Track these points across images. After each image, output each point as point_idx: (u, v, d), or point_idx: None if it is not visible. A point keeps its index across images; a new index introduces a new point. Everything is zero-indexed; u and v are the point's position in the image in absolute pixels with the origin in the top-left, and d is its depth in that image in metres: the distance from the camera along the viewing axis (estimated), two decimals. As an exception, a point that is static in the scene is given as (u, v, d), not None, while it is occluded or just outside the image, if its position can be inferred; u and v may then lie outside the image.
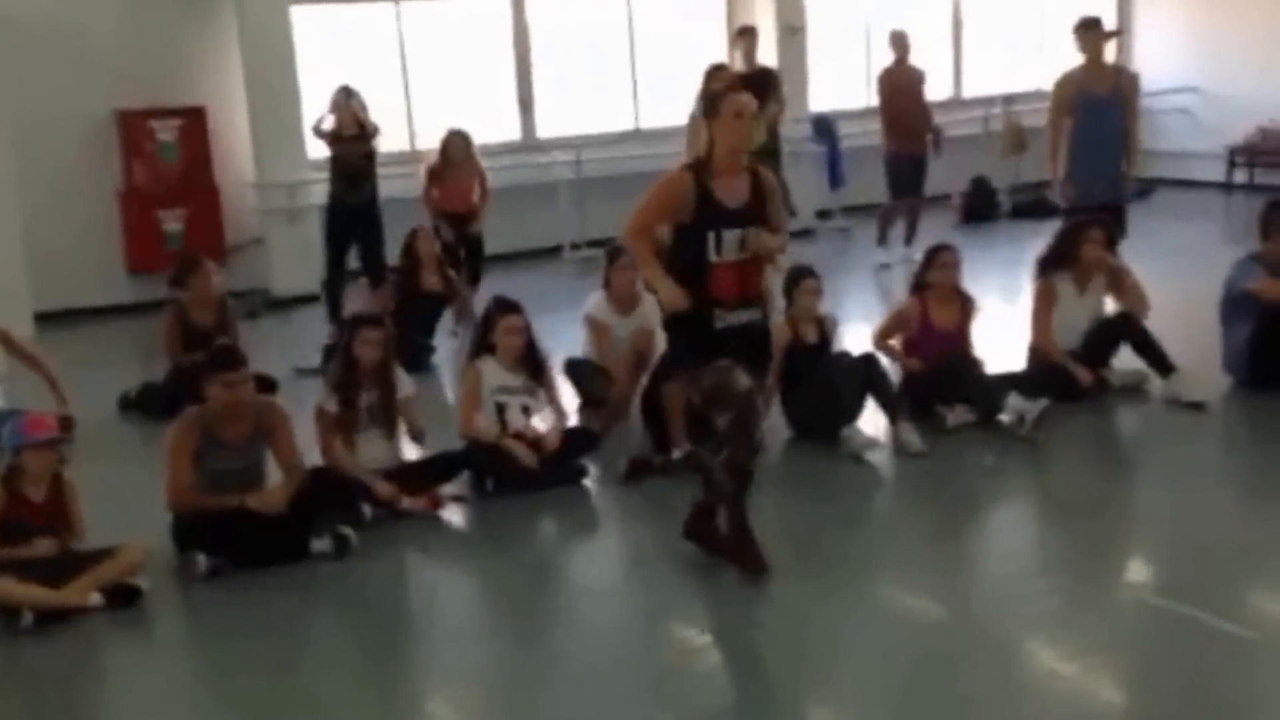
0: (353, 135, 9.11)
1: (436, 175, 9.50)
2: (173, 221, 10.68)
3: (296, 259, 10.76)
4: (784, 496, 5.75)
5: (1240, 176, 13.41)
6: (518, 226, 11.44)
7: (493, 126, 12.16)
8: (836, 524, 5.49)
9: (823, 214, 12.76)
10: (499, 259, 10.40)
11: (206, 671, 4.57)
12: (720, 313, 4.68)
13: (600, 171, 11.69)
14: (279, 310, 10.59)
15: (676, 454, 5.98)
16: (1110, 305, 6.94)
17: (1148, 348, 6.63)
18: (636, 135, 12.62)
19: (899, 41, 10.66)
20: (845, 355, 6.41)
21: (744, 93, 4.76)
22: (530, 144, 12.30)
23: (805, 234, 11.61)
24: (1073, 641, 4.23)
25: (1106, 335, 6.75)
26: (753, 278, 4.77)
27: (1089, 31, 7.94)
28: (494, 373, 5.98)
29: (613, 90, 12.74)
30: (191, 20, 10.77)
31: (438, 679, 4.38)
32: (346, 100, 9.07)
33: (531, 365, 6.06)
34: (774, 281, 5.91)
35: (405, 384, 5.84)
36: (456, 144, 9.50)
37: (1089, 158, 7.86)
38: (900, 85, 10.55)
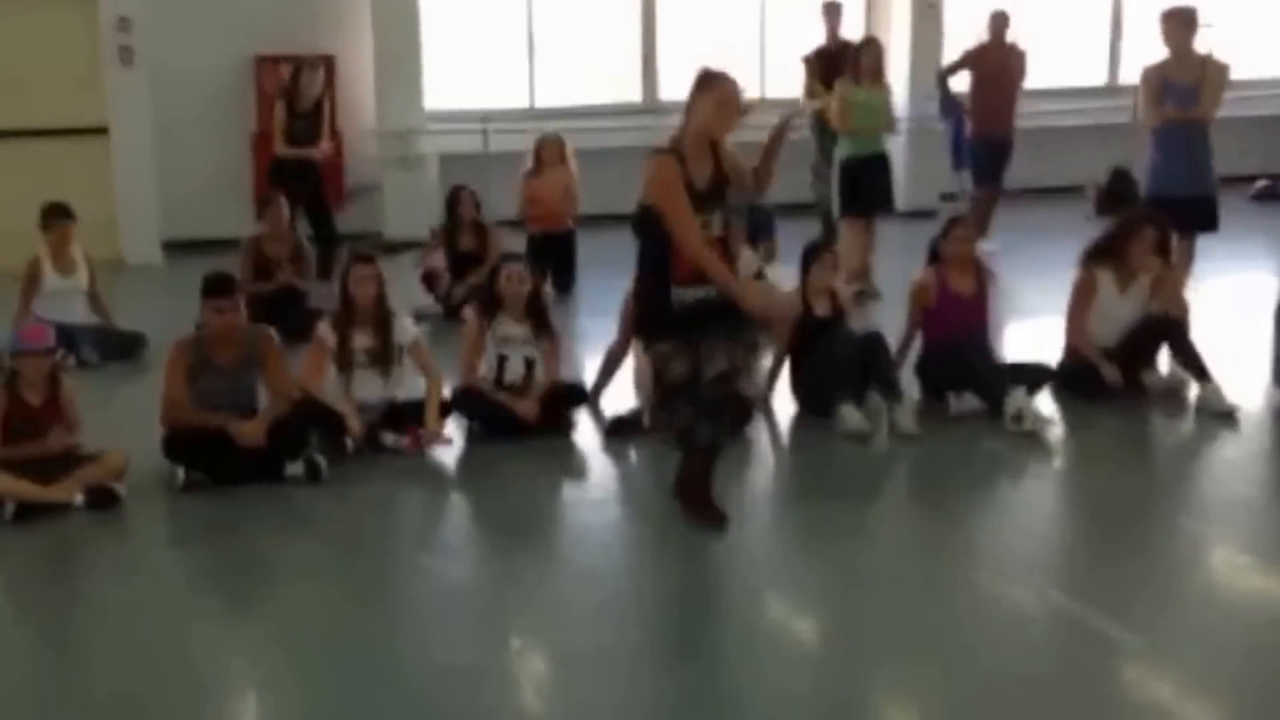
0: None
1: (530, 180, 9.44)
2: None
3: (410, 205, 11.17)
4: (752, 466, 5.83)
5: None
6: (634, 188, 11.57)
7: (615, 87, 12.40)
8: (787, 496, 5.58)
9: (947, 196, 12.49)
10: (617, 218, 10.54)
11: (170, 571, 4.91)
12: (677, 291, 4.72)
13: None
14: (391, 254, 11.00)
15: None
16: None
17: (1185, 351, 6.35)
18: (760, 103, 12.56)
19: (996, 21, 10.29)
20: (849, 332, 6.35)
21: (735, 82, 4.70)
22: (651, 106, 12.41)
23: (927, 215, 11.38)
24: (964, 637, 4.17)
25: (1147, 335, 6.48)
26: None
27: (1173, 21, 7.65)
28: (499, 322, 6.15)
29: (738, 55, 12.71)
30: (326, -29, 11.27)
31: (388, 593, 4.64)
32: None
33: (536, 317, 6.20)
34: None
35: (406, 329, 6.03)
36: (550, 148, 9.45)
37: (1174, 149, 7.62)
38: (991, 66, 10.18)
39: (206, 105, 11.10)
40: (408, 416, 5.91)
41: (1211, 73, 7.66)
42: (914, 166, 11.91)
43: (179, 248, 10.64)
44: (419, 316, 8.09)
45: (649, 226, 4.73)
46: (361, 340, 5.92)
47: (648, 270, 4.82)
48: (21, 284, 7.37)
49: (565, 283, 9.29)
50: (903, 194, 11.99)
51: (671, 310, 4.73)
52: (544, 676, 4.08)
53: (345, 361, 5.90)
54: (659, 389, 4.96)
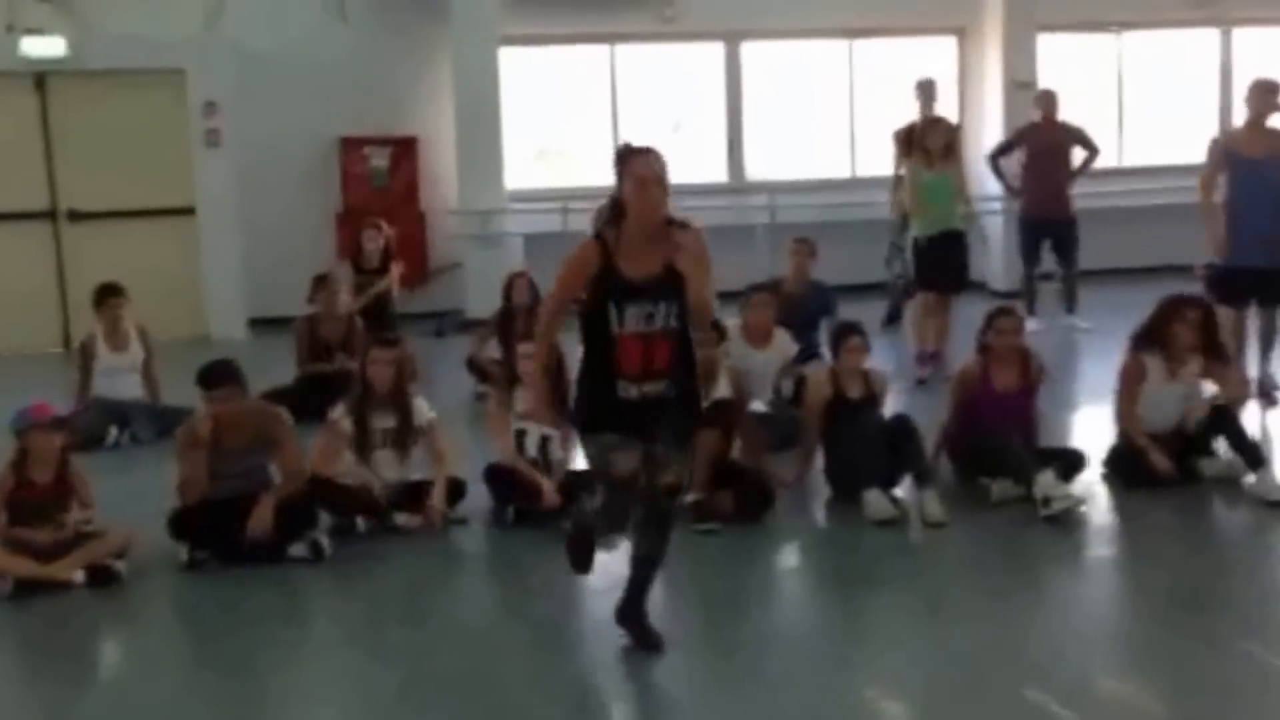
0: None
1: None
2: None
3: (490, 283, 11.22)
4: (775, 549, 5.64)
5: None
6: (719, 267, 11.49)
7: (701, 168, 12.39)
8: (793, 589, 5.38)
9: (1044, 276, 12.09)
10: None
11: (166, 650, 4.93)
12: (624, 384, 4.31)
13: (802, 218, 11.59)
14: (469, 331, 11.10)
15: (688, 500, 5.87)
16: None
17: (1237, 437, 6.01)
18: (853, 183, 12.45)
19: (1045, 100, 10.26)
20: (878, 415, 6.13)
21: (652, 154, 4.23)
22: (738, 185, 12.36)
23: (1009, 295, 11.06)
24: None
25: (1202, 422, 6.14)
26: (659, 351, 4.31)
27: (1256, 93, 7.60)
28: (519, 399, 6.09)
29: (827, 137, 12.62)
30: (411, 57, 11.59)
31: (379, 679, 4.52)
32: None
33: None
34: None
35: (424, 411, 6.02)
36: None
37: (1241, 220, 7.51)
38: (1041, 145, 10.05)
39: (293, 185, 11.42)
40: (422, 497, 5.86)
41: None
42: (1009, 245, 11.60)
43: (266, 324, 10.90)
44: (480, 395, 8.18)
45: (582, 317, 4.40)
46: (381, 422, 5.93)
47: (589, 358, 4.41)
48: (77, 362, 7.57)
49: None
50: (1000, 273, 11.79)
51: (615, 402, 4.31)
52: None
53: (365, 444, 5.90)
54: (592, 480, 4.61)
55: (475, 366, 8.53)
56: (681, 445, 4.45)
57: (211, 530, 5.43)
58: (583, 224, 10.31)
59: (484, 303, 11.17)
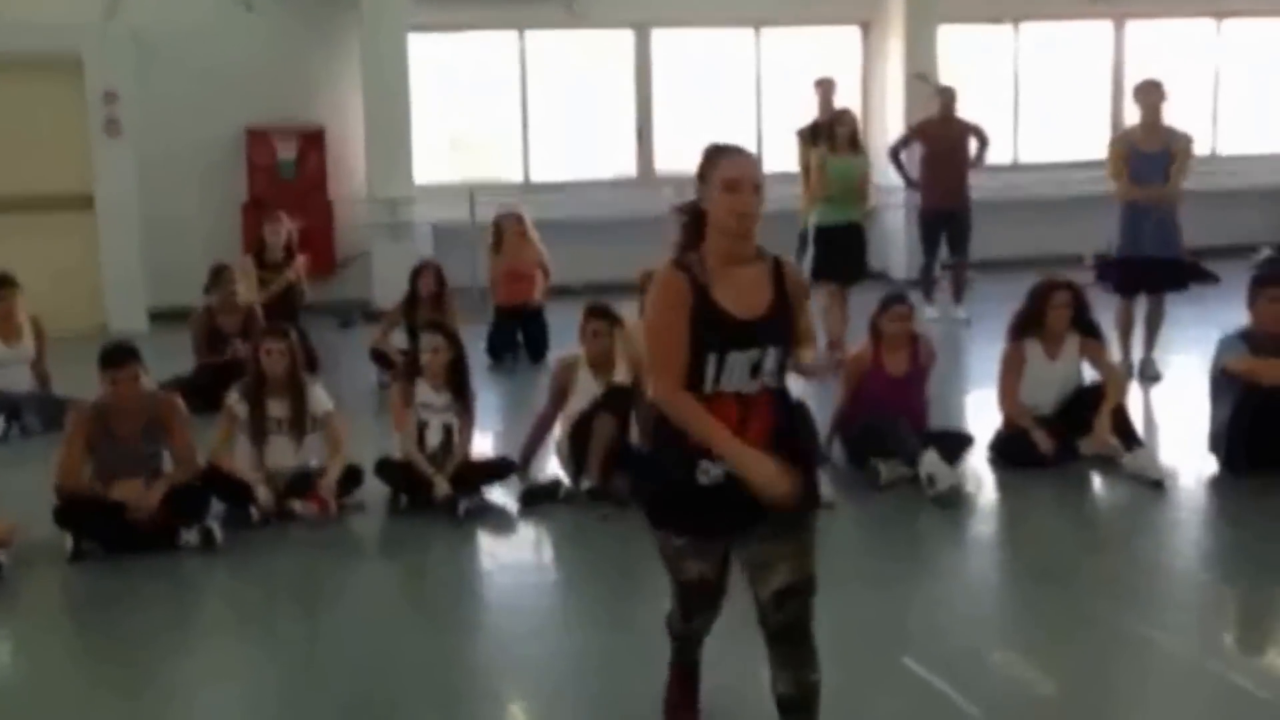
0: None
1: (493, 255, 9.55)
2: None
3: (397, 273, 11.17)
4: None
5: None
6: (627, 259, 11.55)
7: (610, 159, 12.46)
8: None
9: (946, 266, 12.32)
10: (606, 289, 10.58)
11: (47, 642, 4.87)
12: (705, 464, 3.25)
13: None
14: (378, 322, 11.04)
15: (585, 484, 5.97)
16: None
17: (1119, 419, 6.21)
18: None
19: (944, 94, 10.51)
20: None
21: (747, 154, 3.33)
22: (646, 179, 12.43)
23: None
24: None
25: (1080, 403, 6.34)
26: (760, 418, 3.29)
27: (1144, 93, 7.92)
28: (420, 390, 6.11)
29: (733, 129, 12.72)
30: (319, 46, 11.51)
31: (274, 665, 4.54)
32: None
33: (455, 386, 6.15)
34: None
35: (321, 400, 6.02)
36: (509, 224, 9.52)
37: (1141, 212, 7.83)
38: (938, 140, 10.27)
39: (197, 176, 11.28)
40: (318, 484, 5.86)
41: (1176, 143, 7.86)
42: (910, 236, 11.79)
43: (168, 316, 10.74)
44: (384, 385, 8.17)
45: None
46: (275, 409, 5.92)
47: (660, 425, 3.38)
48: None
49: (537, 353, 9.28)
50: (902, 263, 11.99)
51: (690, 488, 3.28)
52: None
53: (258, 430, 5.88)
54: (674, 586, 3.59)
55: (380, 356, 8.52)
56: (791, 530, 3.30)
57: (99, 520, 5.38)
58: (490, 215, 10.36)
59: (391, 293, 11.08)
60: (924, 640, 4.50)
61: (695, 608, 3.58)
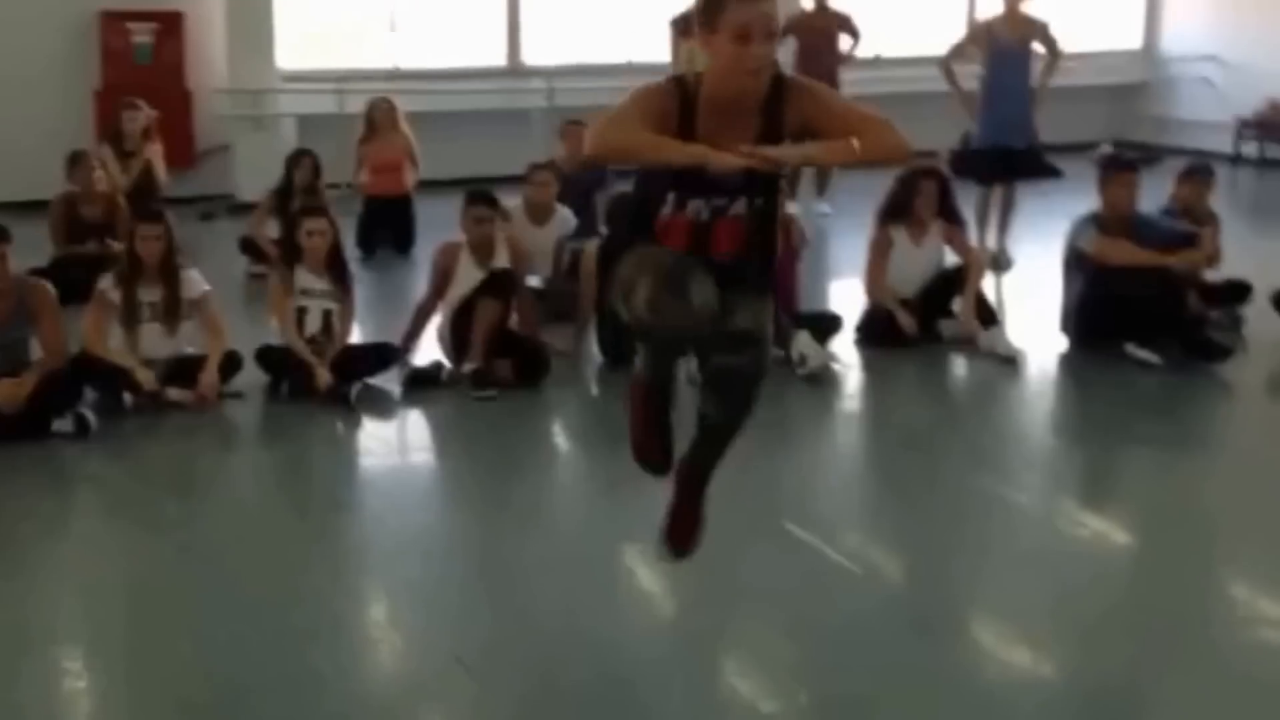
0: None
1: (363, 145, 9.43)
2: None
3: (261, 166, 10.97)
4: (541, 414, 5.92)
5: (1249, 149, 12.88)
6: (494, 153, 11.50)
7: (479, 52, 12.32)
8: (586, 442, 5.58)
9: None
10: (478, 180, 10.54)
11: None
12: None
13: (580, 102, 11.68)
14: (241, 215, 10.86)
15: (468, 367, 6.07)
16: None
17: (974, 300, 6.55)
18: (630, 68, 12.58)
19: None
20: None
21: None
22: (515, 69, 12.34)
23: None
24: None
25: (941, 286, 6.66)
26: (723, 232, 3.07)
27: None
28: (300, 275, 6.10)
29: (605, 21, 12.70)
30: (175, -75, 11.03)
31: (159, 547, 4.53)
32: None
33: (336, 270, 6.15)
34: None
35: (196, 284, 5.95)
36: (382, 112, 9.39)
37: (995, 102, 8.09)
38: (811, 33, 10.25)
39: (47, 62, 10.78)
40: (196, 372, 5.83)
41: (1035, 33, 8.14)
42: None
43: (17, 207, 10.34)
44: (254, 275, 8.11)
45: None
46: (148, 295, 5.84)
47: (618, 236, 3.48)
48: None
49: (404, 245, 9.26)
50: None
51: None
52: (355, 612, 4.09)
53: (130, 317, 5.81)
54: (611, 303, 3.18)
55: (251, 246, 8.41)
56: (757, 294, 3.13)
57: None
58: (362, 105, 10.20)
59: (255, 186, 10.84)
60: (801, 506, 4.76)
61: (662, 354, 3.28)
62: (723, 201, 3.05)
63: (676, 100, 2.98)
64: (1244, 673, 3.59)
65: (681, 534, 3.39)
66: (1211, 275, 6.85)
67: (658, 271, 2.95)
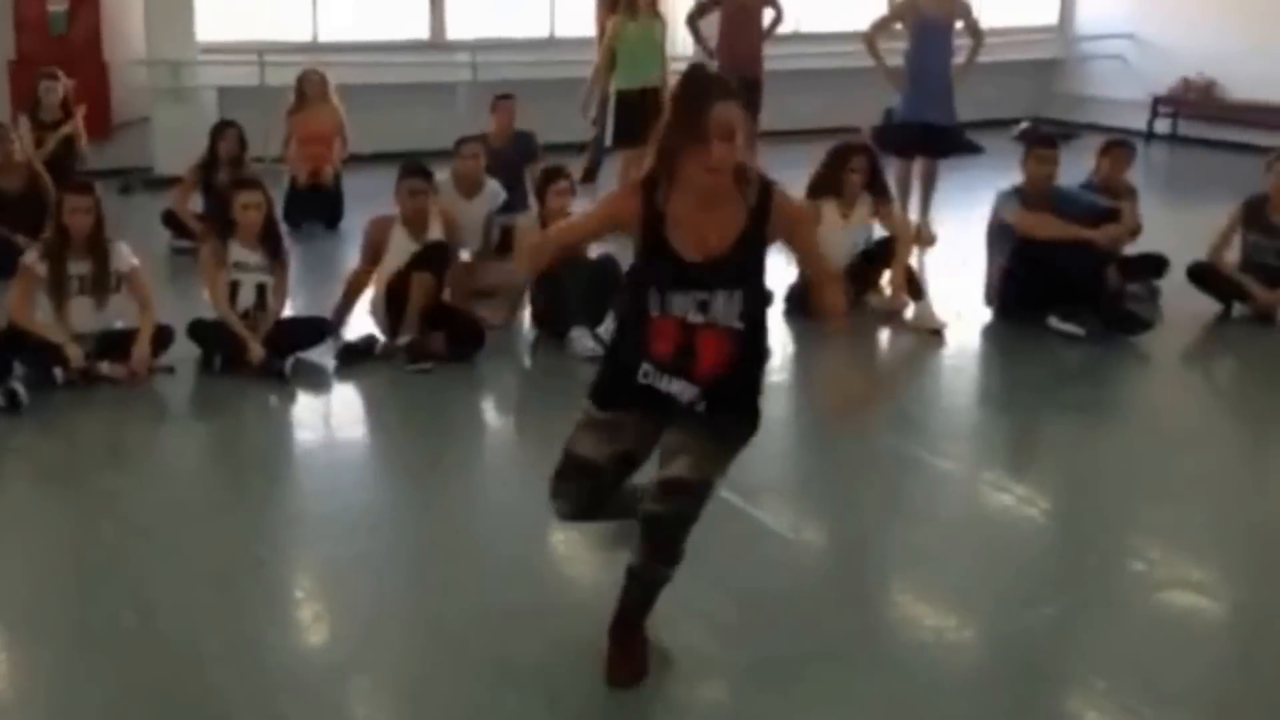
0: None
1: (293, 116, 9.34)
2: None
3: (181, 139, 10.80)
4: (487, 383, 5.93)
5: (1163, 126, 13.21)
6: (417, 126, 11.43)
7: (402, 24, 12.22)
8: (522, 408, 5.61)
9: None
10: (399, 155, 10.47)
11: None
12: (647, 368, 3.24)
13: (505, 75, 11.64)
14: (160, 189, 10.69)
15: (402, 340, 6.07)
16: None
17: (901, 273, 6.69)
18: (553, 42, 12.56)
19: None
20: (584, 257, 6.42)
21: (732, 94, 3.09)
22: (439, 43, 12.26)
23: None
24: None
25: (869, 260, 6.78)
26: (710, 351, 3.19)
27: None
28: (232, 249, 6.05)
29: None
30: (89, -108, 10.79)
31: (95, 520, 4.49)
32: None
33: (270, 244, 6.11)
34: None
35: (125, 257, 5.88)
36: (313, 83, 9.29)
37: (920, 77, 8.23)
38: (736, 6, 10.09)
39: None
40: (127, 346, 5.76)
41: (959, 10, 8.31)
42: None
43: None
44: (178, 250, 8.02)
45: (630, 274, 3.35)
46: (76, 268, 5.76)
47: (621, 325, 3.52)
48: None
49: (333, 219, 9.18)
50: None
51: (629, 383, 3.28)
52: (295, 582, 4.10)
53: (59, 290, 5.73)
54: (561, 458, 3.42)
55: (175, 220, 8.30)
56: (715, 440, 3.23)
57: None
58: (283, 78, 10.09)
59: (174, 159, 10.68)
60: (736, 476, 4.82)
61: (563, 490, 3.41)
62: (704, 296, 3.14)
63: (641, 211, 3.13)
64: (1156, 627, 3.77)
65: (624, 675, 3.39)
66: (1129, 249, 7.05)
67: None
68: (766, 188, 3.17)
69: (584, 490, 3.39)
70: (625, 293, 3.32)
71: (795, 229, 3.28)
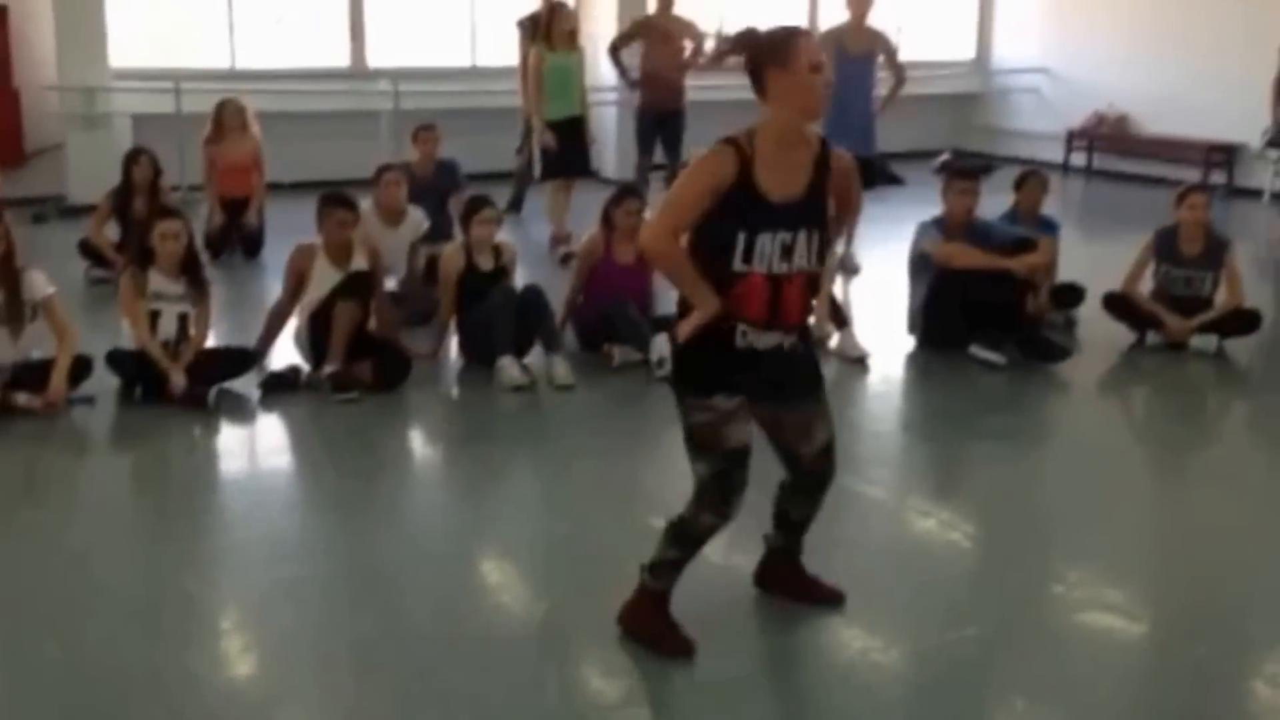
0: None
1: (210, 145, 9.26)
2: (-31, 122, 10.59)
3: (95, 167, 10.64)
4: (409, 416, 5.93)
5: (1078, 159, 13.57)
6: (337, 156, 11.36)
7: (322, 52, 12.18)
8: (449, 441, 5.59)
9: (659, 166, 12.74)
10: (319, 185, 10.39)
11: None
12: (746, 331, 3.45)
13: (427, 105, 11.62)
14: (74, 218, 10.50)
15: (327, 370, 6.02)
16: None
17: (826, 303, 6.72)
18: (474, 72, 12.59)
19: None
20: (509, 286, 6.44)
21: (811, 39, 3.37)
22: (359, 71, 12.23)
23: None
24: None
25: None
26: (794, 299, 3.42)
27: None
28: (153, 278, 5.96)
29: (449, 24, 12.68)
30: (-2, -84, 10.64)
31: (16, 555, 4.40)
32: None
33: (191, 273, 6.04)
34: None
35: (38, 286, 5.78)
36: (231, 113, 9.22)
37: (841, 112, 8.12)
38: (656, 36, 10.12)
39: None
40: (44, 376, 5.65)
41: (880, 45, 8.52)
42: (624, 136, 12.07)
43: None
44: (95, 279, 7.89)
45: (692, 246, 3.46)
46: (-13, 297, 5.65)
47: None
48: None
49: (253, 248, 9.09)
50: (615, 163, 12.29)
51: (732, 353, 3.47)
52: (223, 613, 4.03)
53: (-30, 320, 5.61)
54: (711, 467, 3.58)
55: (90, 249, 8.17)
56: (818, 395, 3.69)
57: None
58: (200, 105, 9.98)
59: (89, 187, 10.54)
60: (663, 501, 4.83)
61: (737, 482, 3.54)
62: (788, 237, 3.36)
63: (734, 162, 3.34)
64: (1074, 646, 3.84)
65: (833, 593, 4.07)
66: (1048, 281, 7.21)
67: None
68: (823, 140, 3.47)
69: (746, 472, 3.58)
70: (700, 256, 3.41)
71: (847, 181, 3.54)
